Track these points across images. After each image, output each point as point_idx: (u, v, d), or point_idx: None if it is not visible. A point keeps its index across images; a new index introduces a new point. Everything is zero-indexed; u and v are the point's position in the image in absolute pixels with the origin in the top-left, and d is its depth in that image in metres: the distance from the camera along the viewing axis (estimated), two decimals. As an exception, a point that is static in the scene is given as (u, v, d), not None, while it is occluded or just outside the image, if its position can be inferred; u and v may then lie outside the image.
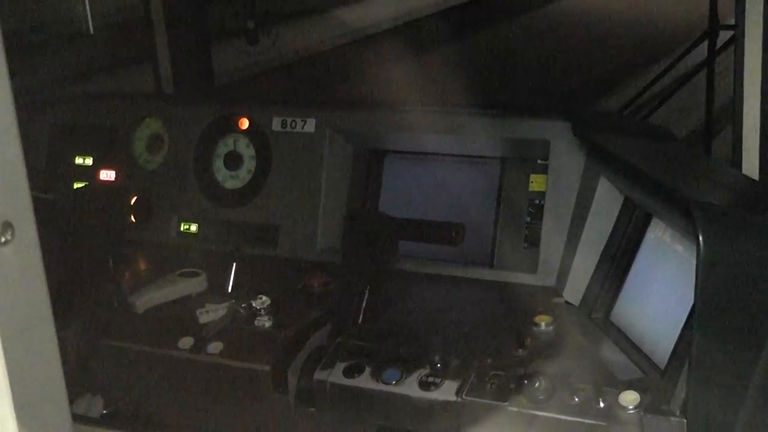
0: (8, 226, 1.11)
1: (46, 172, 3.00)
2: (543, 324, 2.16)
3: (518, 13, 11.95)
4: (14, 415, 1.15)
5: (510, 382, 1.96)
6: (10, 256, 1.12)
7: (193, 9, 3.25)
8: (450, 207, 2.61)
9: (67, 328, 2.31)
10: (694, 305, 1.72)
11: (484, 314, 2.34)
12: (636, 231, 2.20)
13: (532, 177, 2.51)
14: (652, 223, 2.15)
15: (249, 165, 2.77)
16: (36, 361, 1.19)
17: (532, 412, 1.90)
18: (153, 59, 3.22)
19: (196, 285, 2.46)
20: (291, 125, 2.72)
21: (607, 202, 2.29)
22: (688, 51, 6.44)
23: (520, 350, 2.07)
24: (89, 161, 2.99)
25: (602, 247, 2.27)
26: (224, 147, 2.81)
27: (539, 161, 2.49)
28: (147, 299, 2.39)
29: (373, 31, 10.06)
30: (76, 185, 2.93)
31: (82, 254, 2.51)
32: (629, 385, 1.87)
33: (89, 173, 2.96)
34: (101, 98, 3.16)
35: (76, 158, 3.01)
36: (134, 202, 2.82)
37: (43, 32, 5.94)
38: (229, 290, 2.42)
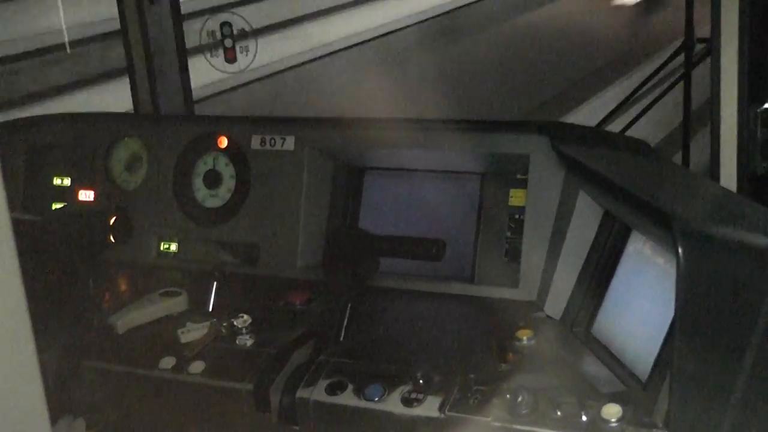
0: None
1: (24, 194, 2.98)
2: (524, 338, 2.17)
3: (484, 27, 11.98)
4: (-5, 438, 1.14)
5: (493, 397, 1.96)
6: (-11, 279, 1.11)
7: (169, 25, 3.25)
8: (430, 223, 2.61)
9: (47, 350, 2.30)
10: (674, 317, 1.73)
11: (466, 329, 2.35)
12: (616, 244, 2.21)
13: (512, 192, 2.52)
14: (632, 236, 2.16)
15: (228, 183, 2.77)
16: (17, 384, 1.18)
17: (516, 426, 1.90)
18: (130, 75, 3.21)
19: (176, 304, 2.45)
20: (270, 143, 2.72)
21: (587, 216, 2.30)
22: (665, 64, 6.47)
23: (502, 365, 2.08)
24: (68, 181, 2.98)
25: (583, 261, 2.28)
26: (203, 166, 2.80)
27: (519, 176, 2.50)
28: (128, 320, 2.38)
29: (343, 45, 10.11)
30: (55, 206, 2.92)
31: (61, 275, 2.50)
32: (611, 398, 1.87)
33: (68, 194, 2.95)
34: (79, 118, 3.15)
35: (55, 179, 3.00)
36: (113, 222, 2.80)
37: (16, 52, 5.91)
38: (210, 309, 2.42)
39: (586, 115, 7.80)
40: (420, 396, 2.02)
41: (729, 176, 2.41)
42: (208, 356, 2.25)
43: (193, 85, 3.20)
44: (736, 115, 2.39)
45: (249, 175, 2.73)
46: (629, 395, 1.89)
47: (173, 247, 2.81)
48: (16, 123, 3.12)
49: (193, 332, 2.32)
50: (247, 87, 7.61)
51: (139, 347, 2.32)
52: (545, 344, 2.16)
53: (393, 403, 2.03)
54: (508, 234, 2.50)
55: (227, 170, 2.77)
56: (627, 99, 6.56)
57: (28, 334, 1.19)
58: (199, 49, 2.94)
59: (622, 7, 12.38)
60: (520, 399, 1.91)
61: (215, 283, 2.43)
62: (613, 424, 1.82)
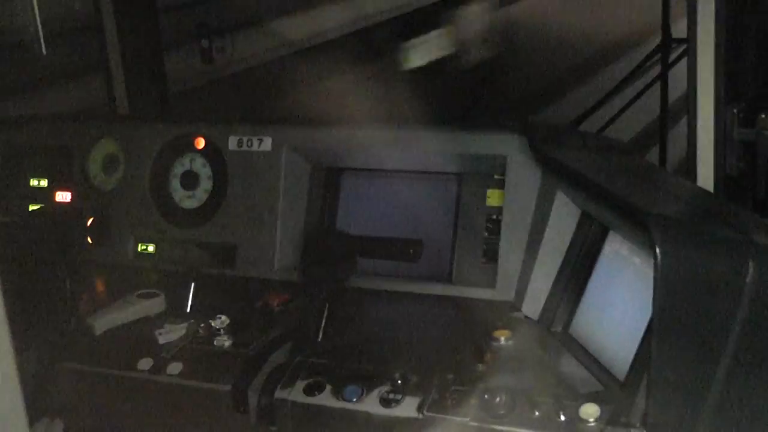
0: None
1: (0, 195, 2.97)
2: (502, 338, 2.17)
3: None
4: (-28, 441, 1.13)
5: (471, 397, 1.96)
6: (-34, 281, 1.11)
7: (145, 20, 3.24)
8: (407, 223, 2.61)
9: (24, 352, 2.29)
10: (652, 317, 1.73)
11: (444, 330, 2.35)
12: (594, 244, 2.22)
13: (489, 192, 2.52)
14: (609, 237, 2.17)
15: (206, 184, 2.76)
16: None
17: (494, 426, 1.90)
18: (106, 70, 3.20)
19: (154, 306, 2.44)
20: (247, 144, 2.71)
21: (565, 216, 2.30)
22: (642, 64, 6.50)
23: (480, 365, 2.08)
24: (44, 182, 2.97)
25: (560, 261, 2.28)
26: (180, 167, 2.80)
27: (496, 176, 2.50)
28: (105, 321, 2.37)
29: (319, 40, 10.06)
30: (32, 207, 2.90)
31: (38, 276, 2.49)
32: (589, 398, 1.88)
33: (44, 195, 2.94)
34: (56, 119, 3.13)
35: (31, 180, 2.98)
36: (91, 223, 2.79)
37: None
38: (188, 310, 2.41)
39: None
40: (398, 396, 2.02)
41: (706, 176, 2.42)
42: (186, 357, 2.24)
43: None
44: (713, 115, 2.40)
45: (226, 175, 2.73)
46: (607, 395, 1.90)
47: (151, 248, 2.80)
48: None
49: (171, 333, 2.31)
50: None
51: (116, 348, 2.31)
52: (523, 344, 2.17)
53: (371, 404, 2.03)
54: (486, 234, 2.51)
55: (204, 171, 2.76)
56: (602, 100, 6.59)
57: (5, 335, 1.18)
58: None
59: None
60: (498, 399, 1.92)
61: (193, 284, 2.43)
62: (591, 424, 1.82)
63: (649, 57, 6.47)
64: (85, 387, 2.31)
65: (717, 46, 2.35)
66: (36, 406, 2.30)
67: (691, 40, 2.39)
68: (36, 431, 2.29)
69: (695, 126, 2.41)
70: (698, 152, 2.42)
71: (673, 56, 5.93)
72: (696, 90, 2.39)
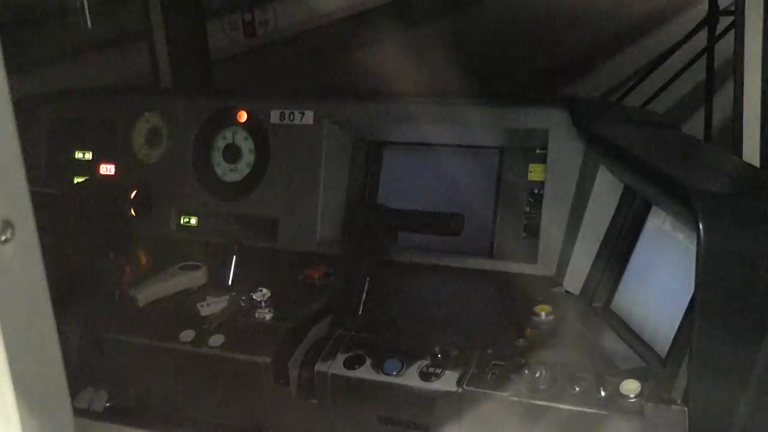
0: (8, 224, 1.11)
1: (46, 167, 3.00)
2: (543, 314, 2.16)
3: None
4: (17, 410, 1.15)
5: (510, 372, 1.96)
6: (10, 255, 1.12)
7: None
8: (449, 197, 2.61)
9: (68, 323, 2.32)
10: (694, 294, 1.72)
11: (484, 304, 2.35)
12: (636, 220, 2.20)
13: (531, 166, 2.51)
14: (652, 212, 2.15)
15: (248, 158, 2.77)
16: (38, 357, 1.19)
17: (533, 401, 1.90)
18: (148, 42, 3.21)
19: (196, 278, 2.46)
20: (289, 117, 2.72)
21: (607, 191, 2.29)
22: (688, 38, 6.41)
23: (520, 340, 2.08)
24: (89, 156, 2.99)
25: (602, 236, 2.27)
26: (223, 140, 2.81)
27: (538, 151, 2.49)
28: (148, 293, 2.39)
29: (359, 9, 10.04)
30: (76, 180, 2.93)
31: (82, 249, 2.52)
32: (630, 374, 1.87)
33: (89, 168, 2.96)
34: (100, 92, 3.16)
35: (76, 153, 3.01)
36: (134, 196, 2.81)
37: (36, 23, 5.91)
38: (230, 283, 2.42)
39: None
40: (438, 370, 2.02)
41: (751, 151, 2.39)
42: (227, 330, 2.26)
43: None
44: (760, 89, 2.37)
45: (268, 149, 2.74)
46: (648, 371, 1.89)
47: (193, 221, 2.82)
48: (38, 97, 3.12)
49: (212, 306, 2.33)
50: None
51: (159, 320, 2.33)
52: (564, 320, 2.16)
53: (411, 377, 2.03)
54: (527, 209, 2.50)
55: (246, 144, 2.77)
56: (648, 72, 6.51)
57: (47, 307, 1.20)
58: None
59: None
60: (538, 374, 1.91)
61: (234, 257, 2.44)
62: (632, 400, 1.82)
63: (695, 30, 6.37)
64: (128, 358, 2.34)
65: (765, 18, 2.32)
66: (80, 377, 2.33)
67: (738, 12, 2.35)
68: (80, 401, 2.32)
69: (741, 99, 2.38)
70: (744, 126, 2.39)
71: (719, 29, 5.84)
72: (743, 62, 2.36)
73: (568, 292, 2.30)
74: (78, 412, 2.24)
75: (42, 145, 3.01)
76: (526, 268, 2.41)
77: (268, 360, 2.16)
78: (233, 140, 2.79)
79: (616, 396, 1.84)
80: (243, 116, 2.78)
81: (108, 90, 3.22)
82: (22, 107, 3.05)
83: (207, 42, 3.36)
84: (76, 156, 3.01)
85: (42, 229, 1.17)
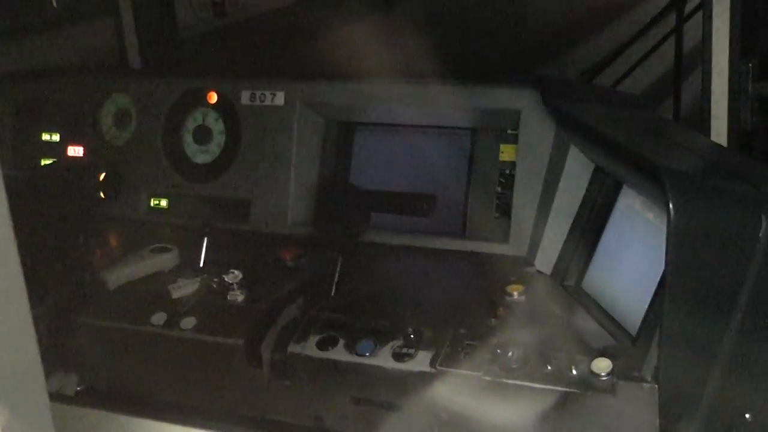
0: None
1: (12, 149, 2.97)
2: (515, 293, 2.17)
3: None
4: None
5: (483, 352, 1.97)
6: (-20, 236, 1.11)
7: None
8: (421, 178, 2.61)
9: (39, 306, 2.30)
10: (664, 272, 1.73)
11: (457, 284, 2.35)
12: (607, 199, 2.21)
13: (503, 147, 2.51)
14: (622, 191, 2.16)
15: (218, 139, 2.76)
16: (12, 340, 1.18)
17: (506, 381, 1.91)
18: (117, 27, 3.18)
19: (167, 260, 2.45)
20: (260, 98, 2.71)
21: (578, 170, 2.29)
22: (657, 19, 6.43)
23: (492, 320, 2.08)
24: (56, 137, 2.96)
25: (573, 216, 2.28)
26: (193, 121, 2.79)
27: (509, 131, 2.49)
28: (119, 275, 2.38)
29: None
30: (44, 161, 2.91)
31: (52, 232, 2.50)
32: (602, 353, 1.88)
33: (57, 150, 2.94)
34: (67, 73, 3.13)
35: (43, 134, 2.98)
36: (103, 178, 2.80)
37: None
38: (201, 265, 2.42)
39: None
40: (411, 351, 2.02)
41: (719, 130, 2.41)
42: (199, 312, 2.25)
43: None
44: (727, 69, 2.38)
45: (239, 130, 2.73)
46: (619, 349, 1.90)
47: (163, 202, 2.81)
48: (4, 79, 3.09)
49: (184, 288, 2.32)
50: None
51: (130, 303, 2.32)
52: (536, 299, 2.17)
53: (384, 358, 2.03)
54: (499, 189, 2.50)
55: (217, 126, 2.76)
56: (616, 54, 6.53)
57: (21, 290, 1.19)
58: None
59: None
60: (510, 354, 1.92)
61: (206, 239, 2.43)
62: (603, 378, 1.83)
63: (665, 10, 6.39)
64: (98, 341, 2.33)
65: (733, -2, 2.33)
66: (50, 360, 2.32)
67: (706, -7, 2.36)
68: (50, 384, 2.31)
69: (709, 80, 2.40)
70: (712, 106, 2.41)
71: (688, 9, 5.86)
72: (711, 43, 2.37)
73: (539, 271, 2.30)
74: (49, 397, 2.22)
75: (8, 127, 2.99)
76: (498, 248, 2.42)
77: (241, 342, 2.16)
78: (203, 121, 2.78)
79: (587, 374, 1.85)
80: (213, 97, 2.77)
81: (76, 70, 3.18)
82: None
83: (176, 21, 3.34)
84: (44, 137, 2.98)
85: (11, 213, 1.16)
